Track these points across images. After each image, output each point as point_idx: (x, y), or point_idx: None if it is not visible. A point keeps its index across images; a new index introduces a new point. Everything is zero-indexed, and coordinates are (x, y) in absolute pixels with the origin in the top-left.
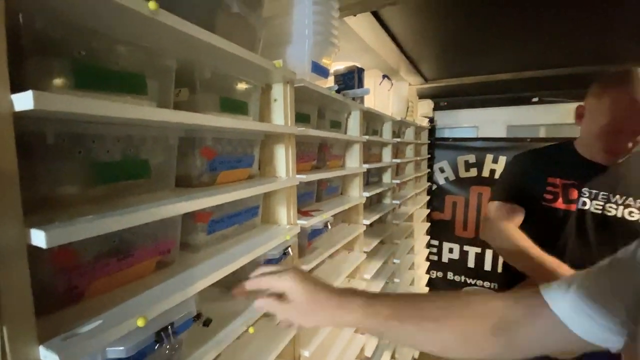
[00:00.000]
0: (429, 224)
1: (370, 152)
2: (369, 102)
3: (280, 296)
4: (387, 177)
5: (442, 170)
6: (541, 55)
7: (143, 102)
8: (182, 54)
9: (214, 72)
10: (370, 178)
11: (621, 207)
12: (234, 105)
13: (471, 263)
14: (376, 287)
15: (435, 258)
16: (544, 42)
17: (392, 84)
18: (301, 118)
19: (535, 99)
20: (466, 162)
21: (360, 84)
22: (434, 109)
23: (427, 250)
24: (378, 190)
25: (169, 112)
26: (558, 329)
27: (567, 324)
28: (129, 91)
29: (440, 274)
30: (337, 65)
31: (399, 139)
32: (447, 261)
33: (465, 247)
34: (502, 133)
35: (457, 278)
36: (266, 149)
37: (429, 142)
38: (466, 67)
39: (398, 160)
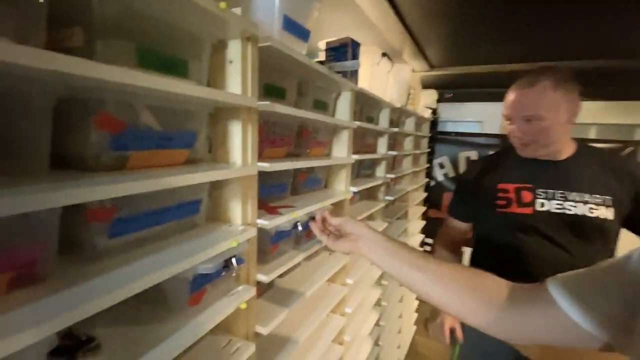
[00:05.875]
0: (424, 222)
1: (363, 141)
2: (364, 84)
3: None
4: (381, 171)
5: (441, 166)
6: (558, 45)
7: None
8: None
9: (130, 11)
10: (363, 170)
11: (580, 205)
12: (163, 62)
13: (466, 262)
14: (360, 291)
15: None
16: (561, 31)
17: (392, 65)
18: (272, 91)
19: None
20: (468, 158)
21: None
22: (438, 101)
23: (422, 250)
24: (369, 185)
25: (28, 50)
26: (553, 314)
27: (563, 307)
28: None
29: None
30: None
31: (397, 129)
32: None
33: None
34: None
35: None
36: (218, 125)
37: (430, 135)
38: (476, 54)
39: (395, 153)
